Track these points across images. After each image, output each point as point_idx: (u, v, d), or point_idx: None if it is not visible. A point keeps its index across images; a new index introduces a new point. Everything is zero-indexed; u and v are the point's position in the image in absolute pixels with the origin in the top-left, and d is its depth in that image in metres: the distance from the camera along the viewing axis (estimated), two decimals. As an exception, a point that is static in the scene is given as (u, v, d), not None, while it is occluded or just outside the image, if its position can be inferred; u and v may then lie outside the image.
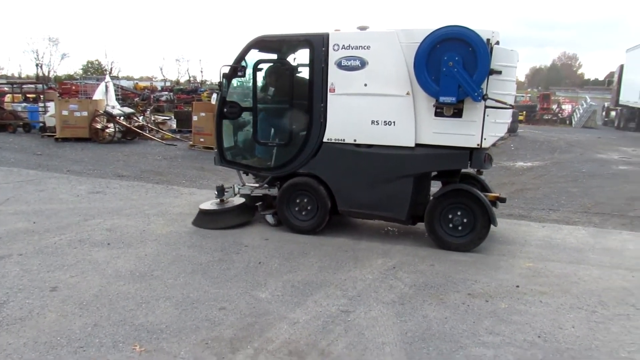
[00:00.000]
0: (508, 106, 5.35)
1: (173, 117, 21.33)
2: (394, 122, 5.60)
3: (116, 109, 17.61)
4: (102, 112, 16.43)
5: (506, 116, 5.49)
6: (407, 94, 5.51)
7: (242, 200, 6.59)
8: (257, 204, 6.65)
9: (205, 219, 6.38)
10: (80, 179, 9.60)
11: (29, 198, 7.76)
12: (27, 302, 4.07)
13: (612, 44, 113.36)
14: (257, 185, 6.59)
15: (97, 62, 67.58)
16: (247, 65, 6.23)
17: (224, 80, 6.23)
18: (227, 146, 6.57)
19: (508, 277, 4.79)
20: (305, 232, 6.08)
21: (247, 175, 6.81)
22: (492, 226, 5.47)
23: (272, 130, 6.45)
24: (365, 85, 5.65)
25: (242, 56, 6.20)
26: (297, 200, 6.14)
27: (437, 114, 5.45)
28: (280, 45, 6.40)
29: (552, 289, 4.50)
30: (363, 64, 5.64)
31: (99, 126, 16.12)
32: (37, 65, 62.49)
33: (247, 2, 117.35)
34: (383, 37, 5.61)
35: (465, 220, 5.53)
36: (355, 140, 5.80)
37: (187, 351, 3.38)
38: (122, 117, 16.70)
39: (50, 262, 4.99)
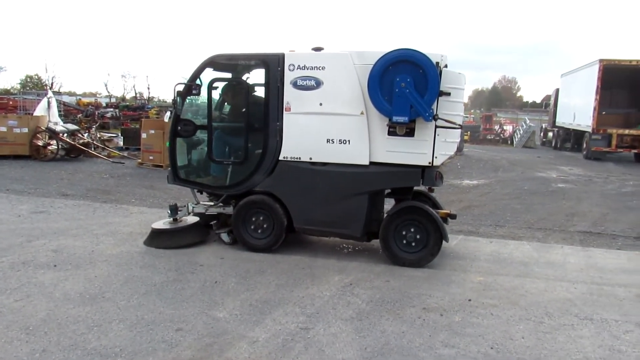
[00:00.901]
0: (457, 126, 5.58)
1: (120, 134, 20.76)
2: (348, 140, 5.71)
3: (59, 125, 16.96)
4: (44, 128, 15.79)
5: (455, 136, 5.72)
6: (362, 113, 5.64)
7: (196, 219, 6.50)
8: (212, 222, 6.57)
9: (158, 238, 6.23)
10: (21, 198, 9.16)
11: (-35, 219, 7.33)
12: (-33, 329, 3.84)
13: (547, 68, 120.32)
14: (211, 203, 6.51)
15: (36, 76, 64.89)
16: (201, 84, 6.21)
17: (178, 98, 6.17)
18: (180, 164, 6.49)
19: (460, 291, 4.95)
20: (262, 250, 6.05)
21: (201, 193, 6.72)
22: (444, 242, 5.64)
23: (228, 148, 6.42)
24: (321, 104, 5.75)
25: (196, 74, 6.18)
26: (253, 219, 6.12)
27: (390, 133, 5.61)
28: (236, 64, 6.42)
29: (502, 301, 4.69)
30: (318, 84, 5.74)
31: (40, 143, 15.45)
32: (-29, 79, 59.41)
33: (195, 19, 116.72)
34: (337, 58, 5.74)
35: (418, 237, 5.68)
36: (311, 159, 5.86)
37: (143, 374, 3.28)
38: (65, 134, 16.09)
39: (-8, 285, 4.73)
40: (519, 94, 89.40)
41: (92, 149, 16.65)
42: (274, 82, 5.88)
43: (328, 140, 5.77)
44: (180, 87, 6.17)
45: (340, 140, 5.74)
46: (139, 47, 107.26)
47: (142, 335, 3.84)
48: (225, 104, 6.54)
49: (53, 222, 7.36)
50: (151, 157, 14.57)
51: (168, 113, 6.47)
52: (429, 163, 5.54)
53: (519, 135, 29.20)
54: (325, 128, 5.77)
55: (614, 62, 19.37)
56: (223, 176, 6.42)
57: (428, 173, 5.60)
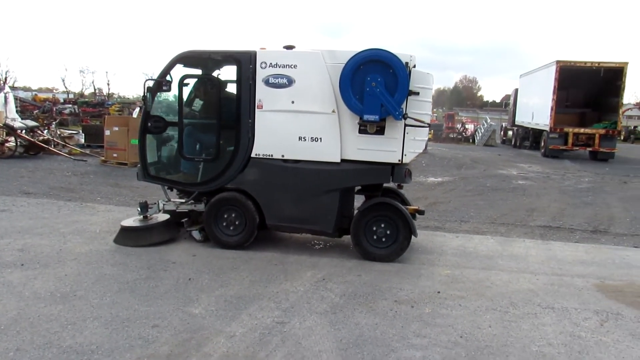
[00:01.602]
0: (425, 125, 5.76)
1: (81, 131, 20.23)
2: (320, 138, 5.80)
3: (17, 121, 16.43)
4: (1, 125, 15.25)
5: (424, 134, 5.90)
6: (333, 111, 5.74)
7: (167, 216, 6.46)
8: (183, 220, 6.55)
9: (127, 236, 6.17)
10: (-20, 196, 8.86)
11: None
12: None
13: (506, 69, 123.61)
14: (182, 201, 6.49)
15: (-12, 71, 62.22)
16: (172, 80, 6.18)
17: (148, 94, 6.12)
18: (150, 161, 6.43)
19: (429, 284, 5.12)
20: (234, 247, 6.08)
21: (171, 190, 6.69)
22: (412, 237, 5.81)
23: (199, 145, 6.41)
24: (293, 102, 5.82)
25: (167, 70, 6.14)
26: (225, 216, 6.14)
27: (361, 131, 5.73)
28: (207, 60, 6.41)
29: (469, 293, 4.88)
30: (290, 82, 5.81)
31: (-3, 140, 14.94)
32: None
33: (157, 14, 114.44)
34: (309, 57, 5.82)
35: (388, 232, 5.82)
36: (283, 156, 5.93)
37: (122, 370, 3.29)
38: (24, 131, 15.59)
39: (-43, 286, 4.61)
40: (479, 93, 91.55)
41: (52, 146, 16.20)
42: (246, 80, 5.91)
43: (300, 138, 5.84)
44: (151, 83, 6.12)
45: (312, 138, 5.82)
46: (97, 42, 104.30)
47: (118, 332, 3.83)
48: (197, 100, 6.52)
49: (16, 220, 7.17)
50: (115, 155, 14.29)
51: (137, 109, 6.38)
52: (399, 161, 5.69)
53: (480, 134, 30.00)
54: (297, 126, 5.84)
55: (570, 64, 20.14)
56: (194, 173, 6.41)
57: (398, 170, 5.75)
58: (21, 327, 3.84)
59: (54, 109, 37.63)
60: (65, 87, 64.72)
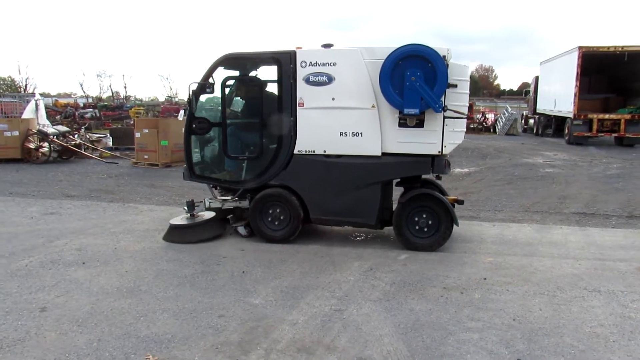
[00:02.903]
0: (464, 116, 5.89)
1: (109, 134, 20.70)
2: (361, 133, 5.98)
3: (49, 127, 16.92)
4: (35, 131, 15.73)
5: (462, 125, 6.03)
6: (373, 106, 5.91)
7: (213, 214, 6.70)
8: (228, 216, 6.78)
9: (177, 233, 6.43)
10: (27, 200, 9.23)
11: (-20, 222, 7.42)
12: (20, 324, 4.02)
13: (522, 56, 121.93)
14: (228, 198, 6.72)
15: (9, 78, 63.53)
16: (214, 82, 6.40)
17: (193, 97, 6.36)
18: (196, 161, 6.68)
19: (474, 271, 5.27)
20: (279, 241, 6.29)
21: (215, 189, 6.92)
22: (454, 226, 5.96)
23: (243, 144, 6.63)
24: (333, 99, 5.99)
25: (209, 73, 6.36)
26: (270, 211, 6.36)
27: (401, 125, 5.89)
28: (248, 62, 6.63)
29: (514, 279, 5.02)
30: (330, 79, 5.99)
31: (32, 146, 15.41)
32: (-59, 82, 57.99)
33: (172, 16, 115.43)
34: (348, 55, 5.98)
35: (430, 222, 5.98)
36: (325, 151, 6.11)
37: (200, 356, 3.52)
38: (57, 136, 16.06)
39: (29, 284, 4.90)
40: (496, 82, 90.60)
41: (84, 150, 16.64)
42: (287, 79, 6.10)
43: (341, 134, 6.02)
44: (194, 86, 6.35)
45: (353, 133, 6.00)
46: (113, 45, 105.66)
47: (188, 322, 4.07)
48: (239, 101, 6.74)
49: (67, 222, 7.49)
50: (146, 156, 14.65)
51: (182, 112, 6.62)
52: (439, 152, 5.85)
53: (501, 123, 29.76)
54: (338, 122, 6.02)
55: (593, 49, 19.92)
56: (238, 171, 6.64)
57: (438, 162, 5.91)
58: (98, 320, 4.10)
59: (76, 114, 38.41)
60: (84, 92, 65.74)
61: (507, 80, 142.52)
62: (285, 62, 6.09)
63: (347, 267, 5.42)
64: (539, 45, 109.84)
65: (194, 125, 6.45)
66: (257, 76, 6.65)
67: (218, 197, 6.76)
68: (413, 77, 5.57)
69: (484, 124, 33.64)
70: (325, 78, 5.99)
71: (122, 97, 66.29)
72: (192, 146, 6.60)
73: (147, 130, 14.64)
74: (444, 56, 5.62)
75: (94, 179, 12.25)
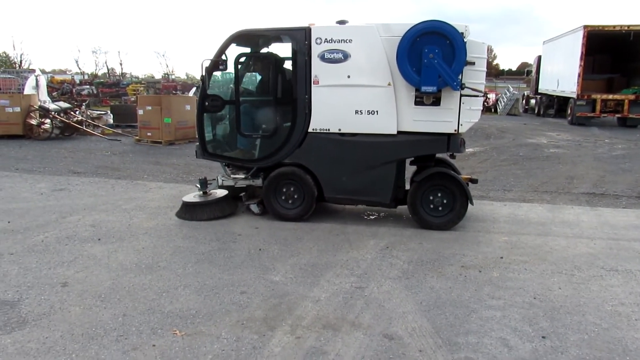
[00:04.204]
0: (481, 94, 5.85)
1: (109, 111, 20.54)
2: (376, 111, 5.93)
3: (51, 104, 16.76)
4: (36, 107, 15.58)
5: (479, 103, 5.97)
6: (389, 84, 5.85)
7: (225, 192, 6.68)
8: (241, 194, 6.77)
9: (189, 210, 6.42)
10: (34, 177, 9.19)
11: (-10, 198, 7.39)
12: (43, 299, 4.03)
13: (520, 35, 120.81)
14: (241, 176, 6.68)
15: (4, 54, 62.73)
16: (227, 59, 6.31)
17: (206, 74, 6.28)
18: (208, 139, 6.63)
19: (490, 250, 5.30)
20: (292, 220, 6.29)
21: (228, 167, 6.87)
22: (469, 205, 5.97)
23: (257, 122, 6.57)
24: (349, 77, 5.93)
25: (222, 50, 6.27)
26: (284, 190, 6.34)
27: (417, 103, 5.85)
28: (261, 39, 6.53)
29: (531, 258, 5.05)
30: (346, 56, 5.91)
31: (34, 122, 15.28)
32: None
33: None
34: (364, 31, 5.90)
35: (445, 201, 5.99)
36: (339, 130, 6.07)
37: (227, 332, 3.54)
38: (58, 113, 15.91)
39: (47, 259, 4.90)
40: (495, 62, 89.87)
41: (85, 127, 16.52)
42: (302, 56, 6.02)
43: (357, 112, 5.97)
44: (207, 63, 6.26)
45: (368, 111, 5.95)
46: (109, 21, 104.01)
47: (211, 298, 4.08)
48: (253, 78, 6.66)
49: (77, 198, 7.46)
50: (149, 134, 14.55)
51: (193, 89, 6.54)
52: (455, 130, 5.82)
53: (502, 103, 29.68)
54: (354, 100, 5.96)
55: (598, 28, 19.76)
56: (252, 149, 6.61)
57: (453, 140, 5.88)
58: (120, 296, 4.11)
59: (74, 91, 38.03)
60: (79, 68, 65.02)
61: (506, 60, 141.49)
62: (300, 38, 6.01)
63: (363, 245, 5.44)
64: (537, 25, 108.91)
65: (206, 103, 6.38)
66: (271, 53, 6.56)
67: (231, 176, 6.73)
68: (431, 54, 5.51)
69: (485, 103, 33.52)
70: (340, 55, 5.92)
71: (118, 74, 65.60)
72: (204, 124, 6.54)
73: (150, 108, 14.50)
74: (462, 33, 5.55)
75: (99, 156, 12.18)
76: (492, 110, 31.64)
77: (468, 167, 10.92)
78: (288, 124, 6.22)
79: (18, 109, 15.16)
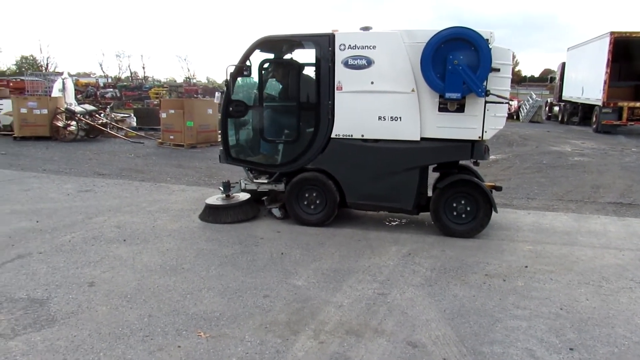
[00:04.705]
0: (506, 101, 5.80)
1: (132, 114, 20.86)
2: (400, 117, 5.92)
3: (77, 106, 17.11)
4: (63, 109, 15.91)
5: (504, 110, 5.92)
6: (412, 90, 5.83)
7: (248, 196, 6.73)
8: (263, 198, 6.82)
9: (213, 213, 6.48)
10: (61, 177, 9.38)
11: (18, 197, 7.57)
12: (71, 297, 4.11)
13: (542, 42, 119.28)
14: (264, 181, 6.72)
15: (31, 57, 64.37)
16: (251, 65, 6.37)
17: (230, 79, 6.34)
18: (232, 144, 6.69)
19: (514, 259, 5.23)
20: (314, 225, 6.30)
21: (251, 172, 6.90)
22: (492, 213, 5.90)
23: (280, 127, 6.61)
24: (372, 83, 5.93)
25: (247, 56, 6.33)
26: (306, 195, 6.36)
27: (440, 109, 5.82)
28: (285, 45, 6.58)
29: (557, 268, 4.98)
30: (369, 62, 5.92)
31: (60, 124, 15.61)
32: (-34, 60, 59.03)
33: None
34: (388, 38, 5.89)
35: (468, 209, 5.94)
36: (362, 136, 6.07)
37: (250, 335, 3.56)
38: (84, 115, 16.23)
39: (75, 259, 5.00)
40: (517, 68, 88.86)
41: (109, 129, 16.81)
42: (325, 62, 6.04)
43: (380, 118, 5.97)
44: (232, 69, 6.33)
45: (391, 117, 5.94)
46: (132, 26, 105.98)
47: (234, 301, 4.11)
48: (276, 83, 6.71)
49: (102, 200, 7.59)
50: (172, 137, 14.74)
51: (218, 94, 6.63)
52: (479, 137, 5.78)
53: (525, 110, 29.30)
54: (377, 106, 5.96)
55: (625, 35, 19.41)
56: (275, 154, 6.64)
57: (477, 147, 5.84)
58: (146, 296, 4.17)
59: (97, 94, 38.76)
60: (103, 71, 66.24)
61: (528, 67, 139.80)
62: (324, 44, 6.03)
63: (385, 252, 5.42)
64: (560, 31, 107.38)
65: (230, 108, 6.45)
66: (295, 59, 6.60)
67: (254, 180, 6.77)
68: (456, 61, 5.49)
69: (508, 110, 33.14)
70: (364, 61, 5.92)
71: (140, 77, 66.71)
72: (228, 129, 6.60)
73: (173, 111, 14.70)
74: (487, 39, 5.51)
75: (123, 158, 12.39)
76: (514, 117, 31.27)
77: (491, 174, 10.81)
78: (311, 129, 6.24)
79: (45, 111, 15.52)
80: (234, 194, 6.73)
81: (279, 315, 3.89)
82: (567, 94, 26.22)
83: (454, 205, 5.96)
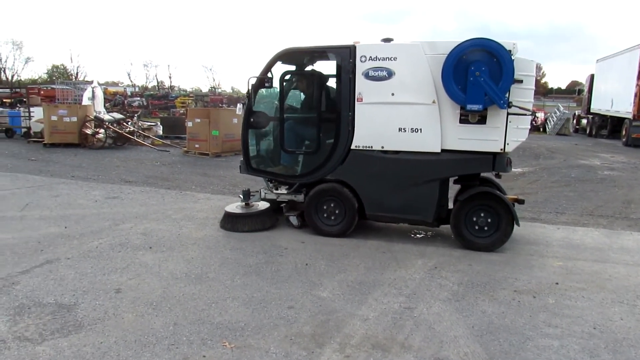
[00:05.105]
0: (529, 113, 5.70)
1: (159, 123, 21.19)
2: (420, 129, 5.86)
3: (106, 114, 17.47)
4: (92, 117, 16.25)
5: (526, 122, 5.79)
6: (433, 102, 5.77)
7: (267, 205, 6.73)
8: (282, 205, 6.82)
9: (231, 221, 6.50)
10: (89, 184, 9.55)
11: (48, 203, 7.72)
12: (98, 304, 4.15)
13: (570, 53, 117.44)
14: (284, 192, 6.72)
15: (62, 66, 66.15)
16: (273, 77, 6.40)
17: (252, 91, 6.39)
18: (252, 155, 6.72)
19: (545, 275, 5.10)
20: (334, 236, 6.25)
21: (271, 182, 6.90)
22: (515, 226, 5.78)
23: (300, 138, 6.61)
24: (393, 94, 5.88)
25: (268, 68, 6.38)
26: (325, 207, 6.33)
27: (462, 121, 5.74)
28: (306, 56, 6.61)
29: (589, 285, 4.83)
30: (390, 74, 5.88)
31: (89, 132, 15.94)
32: (0, 69, 60.94)
33: (214, 9, 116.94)
34: (409, 49, 5.85)
35: (489, 221, 5.83)
36: (382, 147, 6.03)
37: (275, 346, 3.53)
38: (112, 123, 16.55)
39: (102, 265, 5.05)
40: (543, 80, 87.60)
41: (136, 137, 17.09)
42: (346, 74, 6.03)
43: (400, 129, 5.92)
44: (253, 80, 6.37)
45: (412, 129, 5.88)
46: (160, 36, 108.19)
47: (259, 312, 4.09)
48: (297, 95, 6.74)
49: (129, 207, 7.69)
50: (197, 145, 14.91)
51: (240, 105, 6.69)
52: (501, 149, 5.68)
53: (552, 123, 28.84)
54: (397, 117, 5.91)
55: (657, 47, 19.02)
56: (294, 165, 6.65)
57: (499, 159, 5.74)
58: (171, 304, 4.18)
59: (125, 102, 39.54)
60: (131, 81, 67.56)
61: (555, 78, 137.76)
62: (345, 56, 6.02)
63: (411, 265, 5.35)
64: (588, 42, 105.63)
65: (252, 119, 6.49)
66: (316, 70, 6.61)
67: (273, 191, 6.77)
68: (477, 72, 5.42)
69: (534, 122, 32.69)
70: (385, 73, 5.89)
71: (166, 86, 67.85)
72: (249, 140, 6.63)
73: (198, 120, 14.88)
74: (510, 50, 5.44)
75: (149, 165, 12.56)
76: (541, 129, 30.82)
77: (517, 187, 10.63)
78: (331, 140, 6.23)
79: (75, 119, 15.87)
80: (253, 203, 6.73)
81: (304, 327, 3.86)
82: (595, 107, 25.78)
83: (475, 218, 5.86)
